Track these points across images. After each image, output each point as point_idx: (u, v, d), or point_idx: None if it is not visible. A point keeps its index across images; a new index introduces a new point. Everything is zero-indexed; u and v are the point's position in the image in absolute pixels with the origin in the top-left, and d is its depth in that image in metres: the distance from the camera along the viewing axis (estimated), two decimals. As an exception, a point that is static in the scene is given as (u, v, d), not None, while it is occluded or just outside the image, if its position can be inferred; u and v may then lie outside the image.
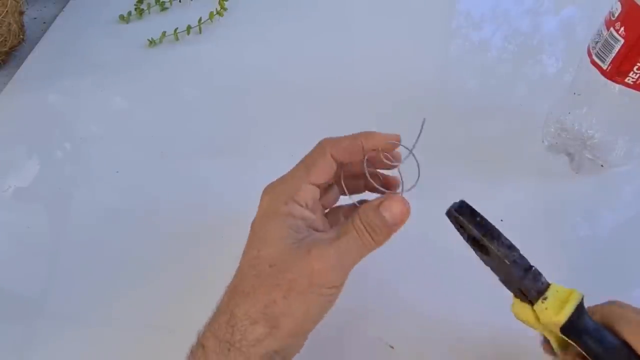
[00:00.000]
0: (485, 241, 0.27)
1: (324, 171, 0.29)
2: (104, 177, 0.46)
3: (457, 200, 0.28)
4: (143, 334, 0.36)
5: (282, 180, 0.30)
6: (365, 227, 0.27)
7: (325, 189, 0.32)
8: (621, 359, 0.25)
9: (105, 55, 0.58)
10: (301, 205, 0.28)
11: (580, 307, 0.26)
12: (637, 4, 0.31)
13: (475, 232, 0.27)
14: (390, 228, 0.28)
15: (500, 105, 0.48)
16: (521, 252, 0.27)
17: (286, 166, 0.45)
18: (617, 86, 0.34)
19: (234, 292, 0.28)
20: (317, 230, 0.29)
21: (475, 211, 0.27)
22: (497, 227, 0.27)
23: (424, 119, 0.29)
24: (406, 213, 0.28)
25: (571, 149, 0.42)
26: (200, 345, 0.28)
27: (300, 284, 0.26)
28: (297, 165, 0.30)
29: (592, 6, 0.57)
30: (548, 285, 0.27)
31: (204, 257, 0.39)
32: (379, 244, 0.28)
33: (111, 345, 0.36)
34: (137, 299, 0.38)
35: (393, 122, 0.48)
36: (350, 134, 0.30)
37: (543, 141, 0.43)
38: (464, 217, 0.27)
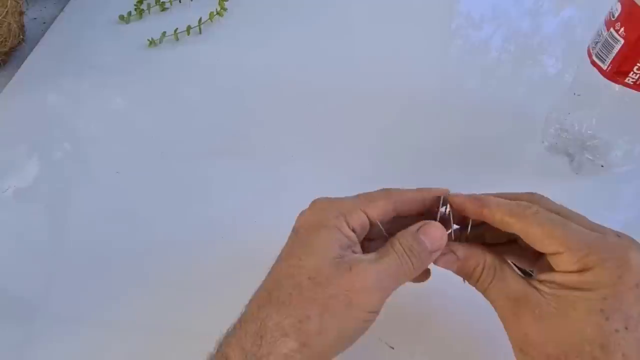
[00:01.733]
0: None
1: (382, 210, 0.29)
2: (104, 177, 0.46)
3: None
4: (143, 334, 0.36)
5: (337, 199, 0.29)
6: (405, 250, 0.27)
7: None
8: None
9: (105, 56, 0.58)
10: (350, 226, 0.28)
11: None
12: (637, 4, 0.31)
13: None
14: (429, 253, 0.28)
15: (501, 106, 0.48)
16: None
17: (286, 166, 0.46)
18: (617, 86, 0.34)
19: (266, 300, 0.27)
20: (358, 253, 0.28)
21: None
22: None
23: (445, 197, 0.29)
24: (444, 238, 0.28)
25: (571, 149, 0.42)
26: (223, 356, 0.27)
27: (339, 303, 0.26)
28: (362, 195, 0.30)
29: (592, 6, 0.57)
30: None
31: (204, 257, 0.39)
32: (418, 270, 0.27)
33: (111, 345, 0.36)
34: (137, 299, 0.38)
35: (393, 122, 0.48)
36: (414, 189, 0.30)
37: (543, 141, 0.43)
38: None
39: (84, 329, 0.37)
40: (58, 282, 0.39)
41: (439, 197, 0.29)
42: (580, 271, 0.24)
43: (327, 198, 0.29)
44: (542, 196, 0.29)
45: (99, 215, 0.43)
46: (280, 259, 0.28)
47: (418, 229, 0.28)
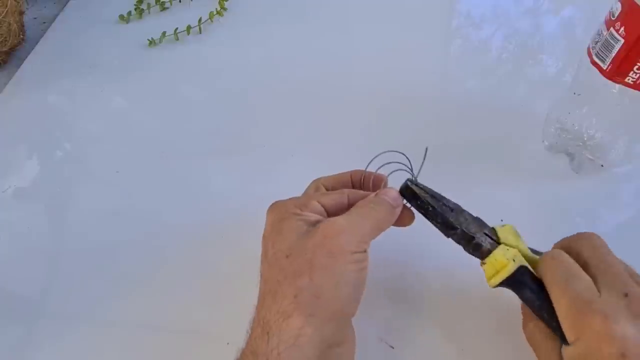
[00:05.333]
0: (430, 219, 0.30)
1: (335, 201, 0.30)
2: (104, 177, 0.46)
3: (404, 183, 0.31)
4: (142, 334, 0.36)
5: (292, 197, 0.31)
6: (367, 203, 0.29)
7: None
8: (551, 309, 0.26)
9: (105, 55, 0.58)
10: (309, 211, 0.29)
11: (519, 270, 0.28)
12: (637, 4, 0.31)
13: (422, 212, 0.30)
14: (391, 204, 0.29)
15: (500, 105, 0.48)
16: (473, 217, 0.30)
17: (286, 166, 0.46)
18: (617, 86, 0.34)
19: (261, 300, 0.28)
20: None
21: (417, 194, 0.30)
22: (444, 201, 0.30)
23: (427, 148, 0.31)
24: (400, 199, 0.30)
25: (571, 149, 0.42)
26: None
27: (320, 258, 0.26)
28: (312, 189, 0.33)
29: (592, 6, 0.57)
30: (490, 251, 0.29)
31: (204, 257, 0.39)
32: (386, 215, 0.29)
33: (111, 345, 0.36)
34: (137, 299, 0.38)
35: (393, 122, 0.48)
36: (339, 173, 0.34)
37: (543, 141, 0.43)
38: (409, 200, 0.31)
39: (84, 329, 0.37)
40: (58, 281, 0.39)
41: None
42: (575, 341, 0.24)
43: (282, 199, 0.31)
44: (588, 236, 0.28)
45: (98, 214, 0.43)
46: (261, 264, 0.30)
47: (377, 193, 0.30)
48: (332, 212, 0.30)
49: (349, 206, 0.30)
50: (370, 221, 0.28)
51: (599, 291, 0.24)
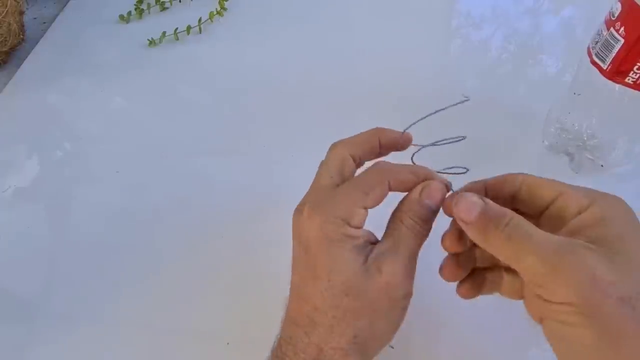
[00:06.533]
0: None
1: (380, 199, 0.28)
2: (104, 177, 0.46)
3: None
4: (142, 334, 0.36)
5: (333, 199, 0.28)
6: (415, 222, 0.27)
7: None
8: None
9: (105, 55, 0.58)
10: (357, 228, 0.27)
11: None
12: (637, 4, 0.31)
13: None
14: (434, 213, 0.28)
15: (501, 105, 0.48)
16: None
17: (286, 166, 0.46)
18: (617, 86, 0.34)
19: (310, 327, 0.27)
20: (372, 242, 0.28)
21: None
22: None
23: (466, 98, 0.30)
24: (444, 195, 0.28)
25: (571, 149, 0.42)
26: None
27: (382, 306, 0.26)
28: (349, 185, 0.28)
29: (592, 6, 0.57)
30: None
31: (204, 256, 0.39)
32: (429, 230, 0.28)
33: (111, 345, 0.36)
34: (137, 299, 0.38)
35: (393, 122, 0.48)
36: (406, 165, 0.29)
37: (543, 141, 0.43)
38: None
39: (84, 329, 0.37)
40: (58, 281, 0.39)
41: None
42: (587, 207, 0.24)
43: (319, 199, 0.28)
44: (525, 176, 0.28)
45: (98, 214, 0.43)
46: (304, 282, 0.28)
47: (421, 192, 0.28)
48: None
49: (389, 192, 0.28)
50: (419, 246, 0.28)
51: None
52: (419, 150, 0.30)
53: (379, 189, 0.28)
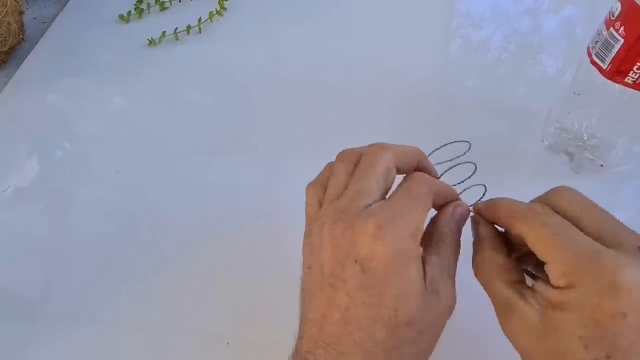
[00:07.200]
0: None
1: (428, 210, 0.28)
2: (104, 177, 0.46)
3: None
4: (143, 334, 0.36)
5: (400, 212, 0.25)
6: (453, 240, 0.28)
7: None
8: None
9: (105, 55, 0.58)
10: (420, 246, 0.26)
11: None
12: (637, 4, 0.31)
13: None
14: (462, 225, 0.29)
15: (500, 105, 0.48)
16: None
17: (287, 165, 0.46)
18: (617, 86, 0.34)
19: (358, 355, 0.25)
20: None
21: None
22: None
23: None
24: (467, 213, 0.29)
25: (571, 149, 0.42)
26: None
27: (438, 325, 0.27)
28: (404, 196, 0.26)
29: (592, 6, 0.57)
30: None
31: (203, 257, 0.39)
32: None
33: (111, 345, 0.36)
34: (137, 299, 0.38)
35: (393, 122, 0.48)
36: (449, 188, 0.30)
37: (543, 141, 0.43)
38: None
39: (84, 329, 0.37)
40: (58, 282, 0.39)
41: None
42: (565, 288, 0.22)
43: (385, 212, 0.25)
44: (567, 190, 0.27)
45: (99, 214, 0.43)
46: (355, 305, 0.25)
47: (452, 213, 0.29)
48: None
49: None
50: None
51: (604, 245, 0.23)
52: (448, 170, 0.32)
53: (430, 204, 0.27)
